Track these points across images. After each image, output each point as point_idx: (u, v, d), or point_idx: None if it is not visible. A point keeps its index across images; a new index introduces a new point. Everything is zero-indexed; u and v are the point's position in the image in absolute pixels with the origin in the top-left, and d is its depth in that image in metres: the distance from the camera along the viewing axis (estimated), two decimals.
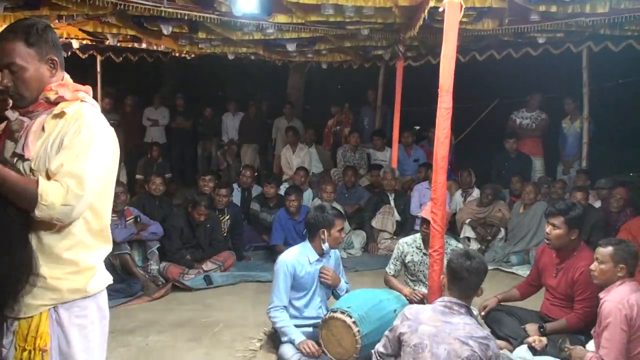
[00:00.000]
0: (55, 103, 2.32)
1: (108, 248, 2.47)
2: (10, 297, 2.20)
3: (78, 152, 2.20)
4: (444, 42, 4.43)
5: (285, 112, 11.52)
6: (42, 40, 2.31)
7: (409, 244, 5.20)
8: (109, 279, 2.50)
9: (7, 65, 2.27)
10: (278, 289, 4.53)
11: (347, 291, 4.76)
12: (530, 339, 4.29)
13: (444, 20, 4.44)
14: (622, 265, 3.80)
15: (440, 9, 4.62)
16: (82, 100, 2.36)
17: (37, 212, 2.13)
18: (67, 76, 2.42)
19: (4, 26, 6.52)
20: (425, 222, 4.96)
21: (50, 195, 2.12)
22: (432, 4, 5.10)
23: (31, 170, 2.25)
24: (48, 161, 2.23)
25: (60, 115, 2.30)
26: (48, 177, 2.19)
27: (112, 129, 2.40)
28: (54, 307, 2.28)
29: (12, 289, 2.19)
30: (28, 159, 2.27)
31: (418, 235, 5.21)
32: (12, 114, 2.37)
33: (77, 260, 2.29)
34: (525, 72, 10.32)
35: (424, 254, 5.04)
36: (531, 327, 4.49)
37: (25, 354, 2.25)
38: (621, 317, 3.61)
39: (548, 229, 4.61)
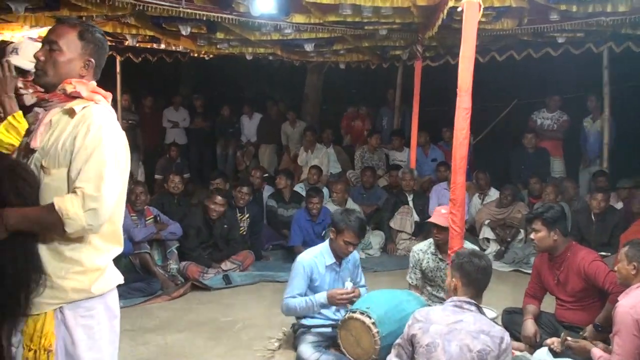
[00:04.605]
0: (71, 97, 2.36)
1: (119, 249, 2.48)
2: (22, 297, 2.22)
3: (90, 153, 2.23)
4: (462, 42, 4.41)
5: (289, 118, 11.50)
6: (91, 42, 2.43)
7: (423, 251, 5.12)
8: (119, 278, 2.50)
9: (51, 41, 2.38)
10: (292, 288, 4.51)
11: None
12: (549, 341, 4.25)
13: (463, 20, 4.42)
14: (634, 264, 3.77)
15: (459, 9, 4.60)
16: (96, 102, 2.38)
17: (68, 230, 2.17)
18: (93, 82, 2.47)
19: (25, 26, 6.69)
20: (436, 227, 4.92)
21: (70, 209, 2.15)
22: (450, 3, 5.08)
23: (42, 167, 2.28)
24: (58, 161, 2.26)
25: (70, 113, 2.32)
26: (68, 182, 2.23)
27: (122, 132, 2.41)
28: (59, 308, 2.29)
29: (24, 289, 2.21)
30: (33, 149, 2.31)
31: (432, 240, 5.15)
32: (29, 97, 2.43)
33: (82, 260, 2.30)
34: (544, 73, 10.23)
35: (439, 259, 4.96)
36: (589, 331, 4.33)
37: (31, 353, 2.27)
38: (632, 323, 3.57)
39: (532, 234, 4.67)
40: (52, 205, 2.17)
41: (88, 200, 2.17)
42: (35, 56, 2.41)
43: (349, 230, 4.45)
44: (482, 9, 4.42)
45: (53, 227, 2.19)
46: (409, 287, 5.16)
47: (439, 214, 4.92)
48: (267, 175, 9.52)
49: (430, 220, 5.11)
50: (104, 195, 2.21)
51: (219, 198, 6.83)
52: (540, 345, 4.36)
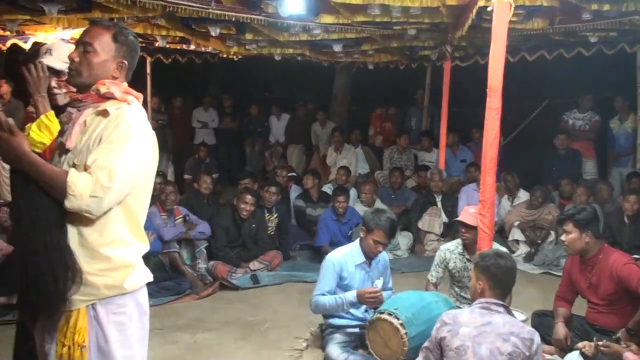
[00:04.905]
0: (104, 98, 2.39)
1: (145, 247, 2.50)
2: (54, 294, 2.24)
3: (113, 147, 2.25)
4: (492, 41, 4.38)
5: (319, 119, 11.57)
6: (125, 44, 2.47)
7: (451, 251, 5.07)
8: (148, 276, 2.52)
9: (85, 43, 2.41)
10: (322, 285, 4.53)
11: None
12: (580, 345, 4.19)
13: (493, 20, 4.39)
14: None
15: (489, 8, 4.57)
16: (128, 103, 2.41)
17: (67, 203, 2.18)
18: (125, 83, 2.50)
19: (58, 28, 6.80)
20: (465, 226, 4.88)
21: (79, 187, 2.16)
22: (480, 3, 5.03)
23: (74, 165, 2.30)
24: (88, 157, 2.28)
25: (104, 114, 2.35)
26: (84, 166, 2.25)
27: (152, 132, 2.44)
28: (91, 304, 2.32)
29: (55, 287, 2.23)
30: (68, 149, 2.34)
31: (460, 240, 5.09)
32: (62, 97, 2.48)
33: (113, 257, 2.32)
34: (575, 73, 10.10)
35: (467, 259, 4.92)
36: (622, 333, 4.30)
37: (65, 349, 2.30)
38: None
39: (563, 236, 4.58)
40: (65, 173, 2.19)
41: (98, 187, 2.18)
42: (69, 57, 2.44)
43: (379, 229, 4.44)
44: (512, 9, 4.37)
45: (54, 191, 2.21)
46: (426, 284, 5.12)
47: (468, 213, 4.89)
48: (293, 174, 9.55)
49: (458, 219, 5.07)
50: (114, 188, 2.22)
51: (248, 197, 6.87)
52: (571, 349, 4.30)
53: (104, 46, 2.42)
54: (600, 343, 3.98)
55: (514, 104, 9.34)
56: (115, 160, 2.23)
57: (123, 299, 2.38)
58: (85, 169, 2.23)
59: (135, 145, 2.29)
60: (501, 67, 4.34)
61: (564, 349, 4.41)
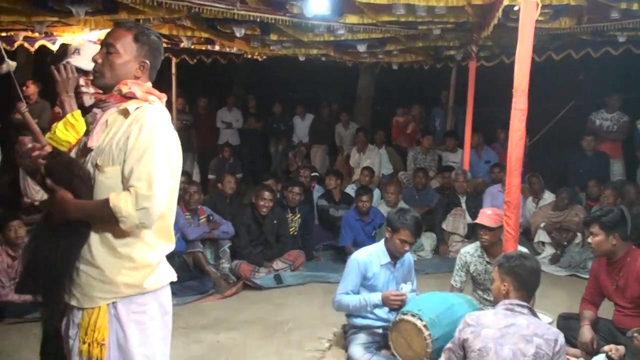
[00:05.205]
0: (126, 98, 2.42)
1: (170, 246, 2.52)
2: (60, 281, 2.32)
3: (142, 153, 2.28)
4: (519, 41, 4.33)
5: (342, 120, 11.57)
6: (146, 44, 2.49)
7: (471, 254, 5.02)
8: (172, 275, 2.55)
9: (108, 44, 2.45)
10: (346, 284, 4.53)
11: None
12: (606, 348, 4.13)
13: (520, 19, 4.35)
14: None
15: (516, 8, 4.52)
16: (150, 103, 2.44)
17: (123, 227, 2.25)
18: (149, 83, 2.53)
19: (85, 29, 6.88)
20: (482, 228, 4.83)
21: (123, 208, 2.22)
22: (506, 2, 4.98)
23: (97, 165, 2.34)
24: (112, 159, 2.32)
25: (125, 113, 2.38)
26: (122, 180, 2.30)
27: (175, 132, 2.46)
28: (112, 303, 2.35)
29: (60, 273, 2.30)
30: (90, 148, 2.38)
31: (479, 243, 5.02)
32: (88, 97, 2.54)
33: (134, 256, 2.36)
34: (603, 72, 9.97)
35: (487, 262, 4.87)
36: None
37: (85, 346, 2.34)
38: None
39: (589, 238, 4.52)
40: (107, 201, 2.23)
41: (141, 199, 2.23)
42: (93, 59, 2.48)
43: (405, 228, 4.42)
44: (539, 8, 4.33)
45: (107, 221, 2.27)
46: (450, 289, 5.08)
47: (485, 215, 4.86)
48: (316, 174, 9.54)
49: (476, 221, 5.02)
50: (156, 194, 2.26)
51: (266, 193, 6.91)
52: (597, 352, 4.24)
53: (126, 47, 2.45)
54: (636, 334, 3.92)
55: (540, 104, 9.26)
56: (149, 167, 2.27)
57: (144, 298, 2.41)
58: (124, 182, 2.29)
59: (161, 147, 2.32)
60: (527, 67, 4.30)
61: (590, 352, 4.35)
